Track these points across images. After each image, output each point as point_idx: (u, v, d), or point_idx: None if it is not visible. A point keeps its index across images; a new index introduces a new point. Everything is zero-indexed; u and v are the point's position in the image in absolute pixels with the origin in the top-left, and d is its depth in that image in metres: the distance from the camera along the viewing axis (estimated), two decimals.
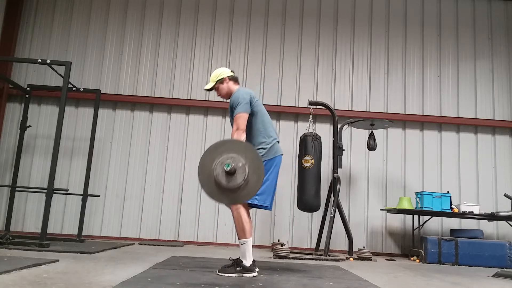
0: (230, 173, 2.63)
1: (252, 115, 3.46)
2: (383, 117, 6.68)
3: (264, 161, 3.30)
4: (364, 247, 5.60)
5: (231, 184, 2.62)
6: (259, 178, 2.69)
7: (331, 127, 6.83)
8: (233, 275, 3.19)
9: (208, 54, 7.09)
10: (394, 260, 5.70)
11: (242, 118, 3.34)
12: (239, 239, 3.30)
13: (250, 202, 3.33)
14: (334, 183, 5.71)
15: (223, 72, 3.65)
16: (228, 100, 3.59)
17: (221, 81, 3.64)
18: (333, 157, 5.89)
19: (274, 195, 3.53)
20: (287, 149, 6.79)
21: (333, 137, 5.97)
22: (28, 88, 6.27)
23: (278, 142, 3.57)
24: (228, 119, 6.88)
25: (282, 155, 3.54)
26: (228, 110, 3.54)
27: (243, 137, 3.30)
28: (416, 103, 7.06)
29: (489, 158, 6.94)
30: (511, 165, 6.94)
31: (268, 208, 3.44)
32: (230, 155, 2.66)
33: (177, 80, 6.99)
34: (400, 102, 7.07)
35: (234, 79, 3.68)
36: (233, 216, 3.31)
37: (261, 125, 3.49)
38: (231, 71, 3.70)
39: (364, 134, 6.86)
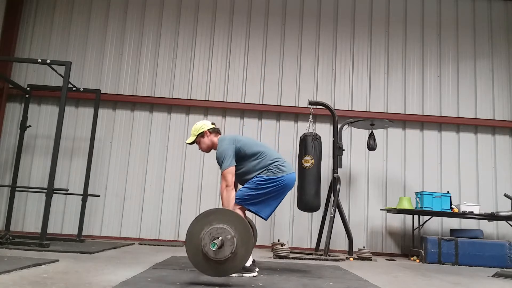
0: (219, 247, 2.61)
1: (244, 156, 3.45)
2: (383, 117, 6.68)
3: (271, 179, 3.34)
4: (364, 247, 5.60)
5: (218, 256, 2.61)
6: (246, 251, 2.67)
7: (331, 127, 6.84)
8: (233, 275, 3.19)
9: (208, 54, 7.09)
10: (394, 260, 5.69)
11: (229, 174, 3.32)
12: None
13: (246, 207, 3.36)
14: (334, 183, 5.71)
15: (204, 125, 3.63)
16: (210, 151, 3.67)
17: (201, 134, 3.62)
18: (333, 157, 5.89)
19: (275, 209, 3.53)
20: (287, 149, 6.80)
21: (333, 137, 5.97)
22: (28, 88, 6.27)
23: (281, 160, 3.50)
24: (228, 119, 6.89)
25: (294, 173, 3.50)
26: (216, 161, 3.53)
27: (232, 194, 3.29)
28: (416, 103, 7.07)
29: (489, 158, 6.94)
30: (511, 165, 6.94)
31: (264, 219, 3.46)
32: (219, 226, 2.65)
33: (177, 80, 6.99)
34: (400, 102, 7.07)
35: (216, 131, 3.66)
36: None
37: (257, 156, 3.46)
38: (212, 123, 3.68)
39: (364, 134, 6.87)
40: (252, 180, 3.39)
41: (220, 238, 2.61)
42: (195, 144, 3.71)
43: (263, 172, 3.40)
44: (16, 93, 6.75)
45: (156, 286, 2.58)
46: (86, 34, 7.09)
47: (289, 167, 3.49)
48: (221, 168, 3.38)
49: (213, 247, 2.56)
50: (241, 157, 3.45)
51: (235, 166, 3.41)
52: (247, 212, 3.51)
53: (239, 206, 3.35)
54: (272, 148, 3.69)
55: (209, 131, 3.63)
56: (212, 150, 3.71)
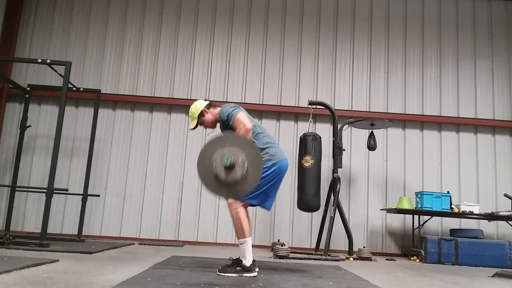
0: (229, 167, 2.63)
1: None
2: (383, 117, 6.68)
3: (265, 167, 3.29)
4: (364, 247, 5.60)
5: (229, 178, 2.63)
6: (257, 176, 2.69)
7: (331, 127, 6.83)
8: (233, 275, 3.19)
9: (208, 54, 7.09)
10: (394, 260, 5.70)
11: (244, 118, 3.28)
12: (238, 239, 3.30)
13: (249, 202, 3.37)
14: (334, 183, 5.71)
15: (199, 105, 3.63)
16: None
17: (201, 114, 3.62)
18: (333, 157, 5.89)
19: (275, 197, 3.53)
20: (287, 149, 6.79)
21: (333, 137, 5.97)
22: (28, 88, 6.27)
23: (273, 146, 3.49)
24: None
25: (286, 159, 3.49)
26: (220, 126, 3.51)
27: (249, 134, 3.25)
28: (416, 103, 7.07)
29: (489, 158, 6.94)
30: (511, 165, 6.94)
31: (267, 209, 3.47)
32: (232, 148, 2.66)
33: (177, 80, 6.99)
34: (400, 102, 7.07)
35: (212, 105, 3.66)
36: (231, 216, 3.31)
37: (252, 134, 3.43)
38: (205, 100, 3.70)
39: (364, 134, 6.87)
40: None
41: (233, 160, 2.62)
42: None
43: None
44: (16, 93, 6.74)
45: (156, 286, 2.58)
46: (86, 34, 7.09)
47: (280, 153, 3.45)
48: (231, 118, 3.31)
49: (227, 161, 2.56)
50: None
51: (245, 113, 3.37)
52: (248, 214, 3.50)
53: (241, 203, 3.33)
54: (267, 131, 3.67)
55: (206, 108, 3.62)
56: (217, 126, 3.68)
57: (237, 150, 2.67)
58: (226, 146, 2.69)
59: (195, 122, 3.64)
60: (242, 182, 2.66)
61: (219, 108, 3.57)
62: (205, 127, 3.69)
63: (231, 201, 3.32)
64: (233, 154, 2.65)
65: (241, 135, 3.17)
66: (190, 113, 3.66)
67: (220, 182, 2.66)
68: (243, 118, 3.28)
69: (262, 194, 3.38)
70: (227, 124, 3.41)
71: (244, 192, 2.70)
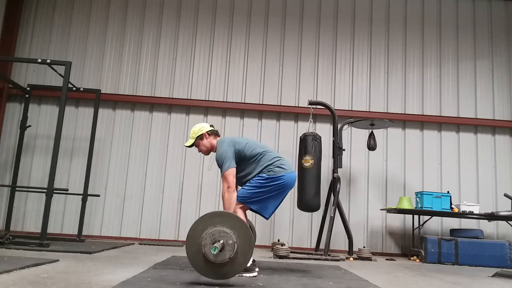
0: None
1: (244, 158, 3.46)
2: (383, 117, 6.68)
3: (272, 177, 3.35)
4: (364, 247, 5.60)
5: (216, 259, 2.62)
6: (245, 259, 2.67)
7: (331, 127, 6.84)
8: None
9: (208, 54, 7.09)
10: (394, 260, 5.70)
11: (230, 175, 3.33)
12: None
13: (248, 205, 3.37)
14: (334, 183, 5.71)
15: (202, 127, 3.64)
16: (211, 153, 3.68)
17: (200, 137, 3.63)
18: (333, 157, 5.89)
19: (276, 208, 3.54)
20: (287, 149, 6.80)
21: (333, 137, 5.97)
22: (28, 88, 6.27)
23: (281, 159, 3.50)
24: (228, 119, 6.89)
25: (294, 172, 3.50)
26: (216, 163, 3.54)
27: (234, 196, 3.30)
28: (416, 103, 7.07)
29: (489, 158, 6.94)
30: (511, 165, 6.94)
31: (266, 218, 3.47)
32: (223, 229, 2.65)
33: (177, 80, 6.99)
34: (400, 102, 7.07)
35: (214, 133, 3.68)
36: None
37: (256, 157, 3.46)
38: (210, 126, 3.70)
39: (364, 134, 6.87)
40: (254, 179, 3.40)
41: (221, 241, 2.61)
42: (194, 147, 3.72)
43: (263, 172, 3.40)
44: (16, 93, 6.75)
45: (156, 286, 2.58)
46: (86, 34, 7.09)
47: (289, 166, 3.49)
48: (221, 170, 3.38)
49: (214, 250, 2.56)
50: (241, 159, 3.46)
51: (235, 167, 3.41)
52: (248, 214, 3.51)
53: (241, 205, 3.36)
54: (272, 148, 3.69)
55: (207, 133, 3.65)
56: (212, 153, 3.72)
57: (228, 230, 2.65)
58: (218, 225, 2.68)
59: (192, 141, 3.66)
60: (230, 264, 2.65)
61: (217, 141, 3.60)
62: (199, 151, 3.71)
63: None
64: (224, 235, 2.63)
65: (224, 194, 3.28)
66: (191, 131, 3.69)
67: (208, 262, 2.65)
68: (228, 176, 3.32)
69: (263, 201, 3.39)
70: (218, 165, 3.47)
71: (229, 275, 2.69)
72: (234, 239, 2.63)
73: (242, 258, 2.67)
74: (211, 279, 2.70)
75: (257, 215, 6.51)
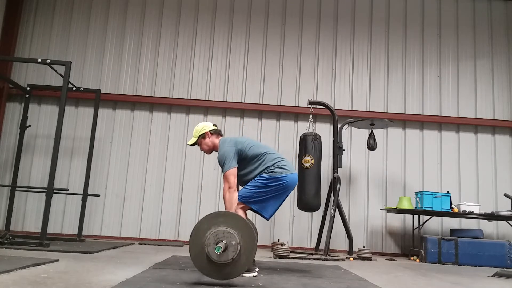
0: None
1: (246, 158, 3.46)
2: (383, 116, 6.68)
3: (273, 178, 3.35)
4: (364, 247, 5.60)
5: (219, 259, 2.62)
6: (247, 260, 2.68)
7: (331, 127, 6.84)
8: None
9: (208, 54, 7.09)
10: (394, 260, 5.69)
11: (231, 175, 3.33)
12: None
13: (249, 205, 3.38)
14: (334, 182, 5.71)
15: (205, 126, 3.65)
16: (214, 152, 3.68)
17: (203, 136, 3.64)
18: (333, 157, 5.89)
19: (277, 209, 3.53)
20: (287, 149, 6.80)
21: (333, 136, 5.97)
22: (28, 88, 6.27)
23: (283, 160, 3.50)
24: (228, 119, 6.89)
25: (296, 173, 3.50)
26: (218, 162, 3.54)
27: (235, 196, 3.31)
28: (416, 103, 7.07)
29: (489, 158, 6.94)
30: (511, 165, 6.94)
31: (266, 218, 3.46)
32: (227, 229, 2.65)
33: (177, 80, 6.99)
34: (400, 101, 7.07)
35: (217, 133, 3.68)
36: None
37: (258, 157, 3.46)
38: (213, 125, 3.71)
39: (364, 133, 6.87)
40: (255, 179, 3.40)
41: (225, 241, 2.61)
42: (196, 146, 3.71)
43: (265, 172, 3.40)
44: (16, 93, 6.75)
45: (156, 286, 2.58)
46: (86, 34, 7.09)
47: (291, 167, 3.49)
48: (223, 170, 3.38)
49: (218, 250, 2.56)
50: (243, 159, 3.46)
51: (237, 167, 3.41)
52: (248, 214, 3.51)
53: (242, 205, 3.36)
54: (273, 148, 3.69)
55: (210, 133, 3.65)
56: (214, 152, 3.73)
57: (232, 231, 2.65)
58: (222, 224, 2.68)
59: (194, 140, 3.67)
60: (233, 264, 2.65)
61: (219, 140, 3.60)
62: (201, 150, 3.71)
63: None
64: (228, 235, 2.64)
65: (225, 194, 3.29)
66: (194, 129, 3.69)
67: (210, 262, 2.65)
68: (230, 176, 3.32)
69: (264, 201, 3.39)
70: (220, 165, 3.48)
71: (231, 275, 2.69)
72: (237, 240, 2.63)
73: (244, 259, 2.67)
74: (213, 279, 2.71)
75: (258, 215, 6.52)
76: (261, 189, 3.36)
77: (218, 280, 2.74)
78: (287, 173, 3.41)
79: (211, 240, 2.63)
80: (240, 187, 3.54)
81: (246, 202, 3.37)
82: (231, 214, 2.75)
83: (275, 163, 3.44)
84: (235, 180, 3.36)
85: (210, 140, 3.65)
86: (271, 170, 3.39)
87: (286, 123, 6.94)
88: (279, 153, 3.65)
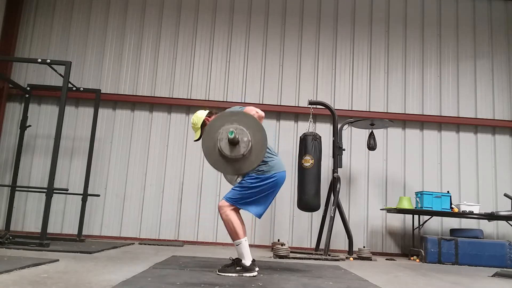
0: (233, 143, 2.64)
1: None
2: (383, 116, 6.68)
3: (262, 177, 3.29)
4: (364, 247, 5.60)
5: (230, 153, 2.64)
6: (256, 158, 2.72)
7: (331, 127, 6.83)
8: (233, 274, 3.19)
9: (208, 54, 7.09)
10: (394, 260, 5.70)
11: (252, 109, 3.24)
12: (233, 241, 3.29)
13: (239, 207, 3.34)
14: (334, 182, 5.71)
15: (200, 115, 3.61)
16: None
17: (204, 124, 3.58)
18: (333, 157, 5.89)
19: (267, 208, 3.47)
20: (287, 148, 6.80)
21: (333, 136, 5.97)
22: (28, 88, 6.27)
23: (273, 158, 3.43)
24: None
25: (284, 171, 3.47)
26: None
27: (259, 113, 3.23)
28: (416, 103, 7.07)
29: (489, 158, 6.94)
30: (511, 165, 6.94)
31: (258, 217, 3.42)
32: (240, 126, 2.68)
33: (177, 80, 6.99)
34: (400, 101, 7.07)
35: (213, 113, 3.62)
36: (222, 219, 3.30)
37: None
38: (204, 109, 3.68)
39: (364, 133, 6.86)
40: (244, 179, 3.33)
41: (237, 136, 2.64)
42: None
43: (253, 171, 3.29)
44: (16, 93, 6.75)
45: (156, 286, 2.58)
46: (86, 34, 7.09)
47: (280, 165, 3.44)
48: (238, 111, 3.23)
49: (231, 134, 2.59)
50: None
51: None
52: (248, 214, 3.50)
53: (232, 207, 3.32)
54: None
55: (208, 117, 3.60)
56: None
57: (244, 129, 2.68)
58: (235, 123, 2.72)
59: (198, 132, 3.58)
60: (243, 161, 2.68)
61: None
62: None
63: (221, 204, 3.31)
64: (240, 132, 2.67)
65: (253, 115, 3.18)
66: (192, 124, 3.63)
67: (222, 156, 2.68)
68: (252, 108, 3.25)
69: (254, 202, 3.34)
70: None
71: (241, 171, 2.71)
72: (249, 137, 2.66)
73: (254, 157, 2.71)
74: (221, 171, 2.70)
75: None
76: (251, 190, 3.30)
77: (228, 174, 2.74)
78: (275, 171, 3.36)
79: (224, 135, 2.67)
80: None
81: (236, 203, 3.31)
82: (245, 114, 2.80)
83: (264, 160, 3.33)
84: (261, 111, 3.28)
85: None
86: (260, 169, 3.31)
87: (286, 123, 6.94)
88: (277, 152, 3.63)
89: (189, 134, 6.83)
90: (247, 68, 7.07)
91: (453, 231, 6.11)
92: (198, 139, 3.55)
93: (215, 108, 6.79)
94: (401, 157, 6.90)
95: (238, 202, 3.32)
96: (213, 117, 3.56)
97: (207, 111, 3.66)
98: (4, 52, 6.80)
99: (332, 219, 5.54)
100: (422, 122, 6.97)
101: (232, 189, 3.39)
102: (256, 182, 3.31)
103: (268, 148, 3.45)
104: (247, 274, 3.21)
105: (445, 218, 6.69)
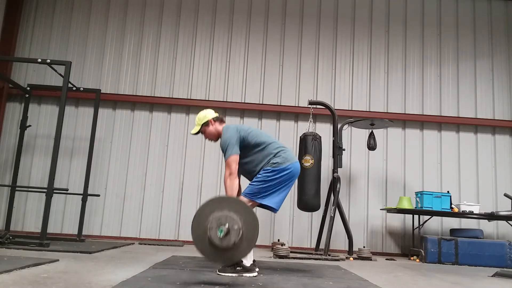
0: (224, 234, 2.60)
1: (248, 146, 3.44)
2: (383, 116, 6.68)
3: (278, 169, 3.34)
4: (364, 247, 5.60)
5: (220, 243, 2.61)
6: (248, 246, 2.67)
7: (331, 127, 6.84)
8: (233, 274, 3.19)
9: (208, 54, 7.09)
10: (394, 260, 5.70)
11: (233, 162, 3.32)
12: None
13: (259, 201, 3.35)
14: (334, 182, 5.71)
15: (207, 114, 3.62)
16: (219, 141, 3.60)
17: (206, 124, 3.61)
18: (333, 157, 5.89)
19: (284, 200, 3.51)
20: None
21: (333, 136, 5.97)
22: (28, 88, 6.27)
23: (285, 149, 3.49)
24: (228, 119, 6.89)
25: (298, 162, 3.50)
26: (220, 150, 3.52)
27: (236, 183, 3.30)
28: (416, 103, 7.07)
29: (489, 158, 6.94)
30: (511, 165, 6.94)
31: (275, 210, 3.44)
32: (230, 214, 2.64)
33: (177, 80, 6.99)
34: (400, 101, 7.07)
35: (220, 120, 3.65)
36: None
37: (260, 146, 3.45)
38: (215, 112, 3.69)
39: (364, 133, 6.87)
40: (260, 173, 3.38)
41: (227, 225, 2.59)
42: (198, 138, 3.68)
43: (269, 163, 3.38)
44: (16, 92, 6.75)
45: (156, 285, 2.58)
46: (86, 34, 7.09)
47: (292, 156, 3.48)
48: (225, 156, 3.37)
49: (220, 233, 2.55)
50: (245, 146, 3.43)
51: (239, 155, 3.40)
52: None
53: (251, 202, 3.34)
54: (274, 137, 3.65)
55: (213, 120, 3.62)
56: (216, 149, 3.72)
57: (234, 216, 2.64)
58: (225, 209, 2.67)
59: (198, 128, 3.63)
60: (235, 249, 2.64)
61: (222, 127, 3.57)
62: (205, 137, 3.70)
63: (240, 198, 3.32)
64: (230, 220, 2.62)
65: (226, 180, 3.28)
66: (196, 118, 3.65)
67: (211, 245, 2.64)
68: (231, 163, 3.31)
69: (272, 194, 3.36)
70: (223, 151, 3.46)
71: (230, 260, 2.67)
72: (240, 225, 2.62)
73: (246, 244, 2.65)
74: (210, 261, 2.67)
75: (257, 213, 6.51)
76: (268, 183, 3.34)
77: (218, 263, 2.71)
78: (290, 162, 3.40)
79: (214, 224, 2.61)
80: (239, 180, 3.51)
81: (254, 198, 3.34)
82: (235, 199, 2.74)
83: (277, 153, 3.41)
84: (237, 167, 3.34)
85: (213, 128, 3.61)
86: (274, 162, 3.37)
87: (286, 123, 6.94)
88: (280, 141, 3.62)
89: (189, 135, 6.83)
90: (247, 68, 7.07)
91: (453, 231, 6.11)
92: (195, 134, 3.67)
93: (215, 108, 6.85)
94: (401, 157, 6.90)
95: (256, 196, 3.34)
96: (217, 123, 3.61)
97: (216, 114, 3.67)
98: (4, 52, 6.80)
99: (332, 219, 5.54)
100: (422, 122, 6.97)
101: (249, 184, 3.41)
102: (272, 175, 3.34)
103: (276, 141, 3.52)
104: (247, 274, 3.21)
105: (445, 218, 6.69)
